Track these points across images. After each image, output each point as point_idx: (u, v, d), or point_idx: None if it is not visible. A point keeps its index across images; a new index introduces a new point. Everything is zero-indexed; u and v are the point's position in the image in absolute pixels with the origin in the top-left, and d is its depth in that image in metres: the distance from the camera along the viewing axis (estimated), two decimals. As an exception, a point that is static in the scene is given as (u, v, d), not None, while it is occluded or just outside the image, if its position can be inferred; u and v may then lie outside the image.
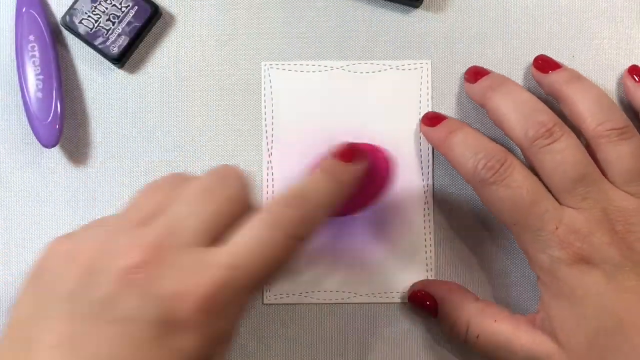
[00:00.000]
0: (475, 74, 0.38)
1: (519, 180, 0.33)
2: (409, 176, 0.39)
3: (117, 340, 0.25)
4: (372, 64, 0.39)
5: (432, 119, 0.38)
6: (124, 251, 0.26)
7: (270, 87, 0.39)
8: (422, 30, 0.40)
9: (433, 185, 0.39)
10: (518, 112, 0.35)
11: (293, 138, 0.39)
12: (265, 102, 0.39)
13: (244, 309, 0.28)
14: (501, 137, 0.37)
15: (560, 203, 0.34)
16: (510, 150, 0.35)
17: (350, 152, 0.32)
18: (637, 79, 0.37)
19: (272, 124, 0.39)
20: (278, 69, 0.39)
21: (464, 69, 0.39)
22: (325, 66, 0.39)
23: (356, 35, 0.40)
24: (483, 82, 0.37)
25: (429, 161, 0.39)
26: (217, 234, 0.27)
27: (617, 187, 0.34)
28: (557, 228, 0.33)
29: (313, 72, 0.39)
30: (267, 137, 0.39)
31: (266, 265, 0.27)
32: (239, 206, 0.28)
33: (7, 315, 0.27)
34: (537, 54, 0.39)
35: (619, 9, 0.40)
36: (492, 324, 0.35)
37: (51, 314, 0.26)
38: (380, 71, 0.39)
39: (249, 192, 0.29)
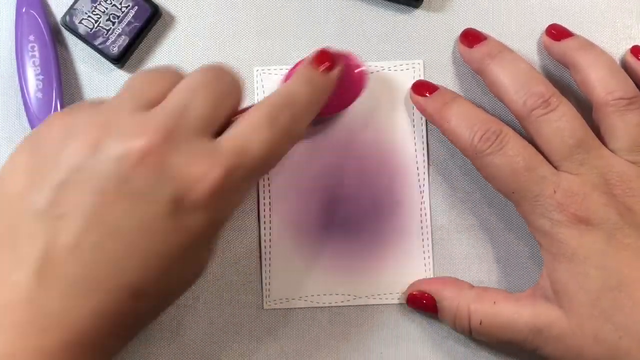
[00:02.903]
0: (472, 38, 0.38)
1: (516, 149, 0.34)
2: (405, 177, 0.39)
3: (133, 214, 0.26)
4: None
5: (423, 87, 0.38)
6: (131, 132, 0.27)
7: (263, 92, 0.39)
8: (422, 30, 0.40)
9: (430, 185, 0.39)
10: (516, 81, 0.35)
11: None
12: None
13: (245, 196, 0.30)
14: (492, 109, 0.37)
15: (558, 170, 0.34)
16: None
17: (325, 58, 0.34)
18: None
19: None
20: (270, 74, 0.39)
21: (463, 69, 0.39)
22: None
23: (356, 36, 0.40)
24: (481, 49, 0.37)
25: (424, 161, 0.39)
26: (218, 126, 0.29)
27: (619, 155, 0.34)
28: (554, 192, 0.33)
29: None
30: None
31: (268, 154, 0.29)
32: (235, 102, 0.30)
33: None
34: (537, 55, 0.39)
35: (618, 9, 0.40)
36: (492, 306, 0.35)
37: (55, 184, 0.26)
38: (372, 73, 0.39)
39: (242, 91, 0.31)
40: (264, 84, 0.39)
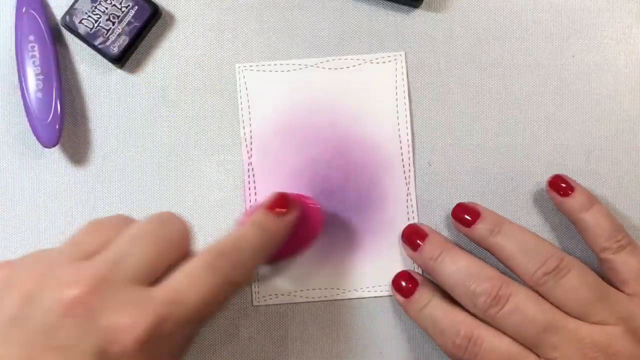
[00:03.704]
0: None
1: (491, 352, 0.34)
2: (391, 170, 0.39)
3: None
4: (346, 59, 0.39)
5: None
6: (65, 282, 0.27)
7: (246, 89, 0.39)
8: (422, 30, 0.40)
9: (415, 178, 0.39)
10: (461, 282, 0.35)
11: (271, 138, 0.39)
12: (241, 104, 0.39)
13: (185, 345, 0.29)
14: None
15: (539, 356, 0.34)
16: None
17: (281, 202, 0.34)
18: (561, 193, 0.37)
19: (250, 125, 0.39)
20: (252, 70, 0.39)
21: (463, 69, 0.39)
22: (299, 64, 0.39)
23: (356, 36, 0.40)
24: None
25: (409, 152, 0.39)
26: (156, 276, 0.28)
27: (584, 321, 0.34)
28: None
29: (287, 71, 0.39)
30: (245, 140, 0.39)
31: (204, 303, 0.28)
32: (178, 252, 0.30)
33: None
34: (536, 54, 0.39)
35: (618, 9, 0.40)
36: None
37: None
38: (354, 66, 0.39)
39: (189, 239, 0.30)
40: (246, 80, 0.39)
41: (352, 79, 0.39)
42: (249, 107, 0.39)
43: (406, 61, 0.39)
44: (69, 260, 0.28)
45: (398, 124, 0.39)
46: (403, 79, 0.39)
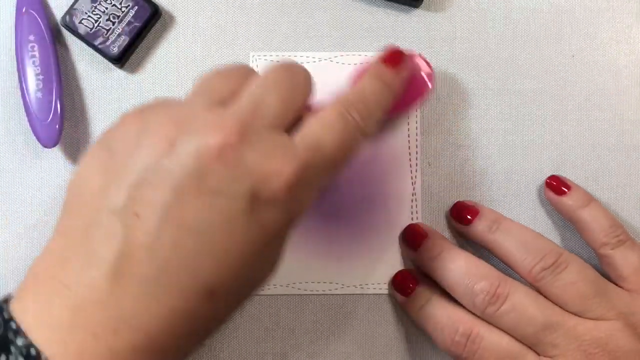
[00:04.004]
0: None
1: (490, 349, 0.34)
2: (398, 170, 0.39)
3: (210, 211, 0.25)
4: (360, 55, 0.39)
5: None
6: (209, 127, 0.26)
7: None
8: (422, 30, 0.40)
9: (421, 176, 0.39)
10: (460, 281, 0.35)
11: None
12: None
13: (316, 193, 0.29)
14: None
15: (538, 354, 0.34)
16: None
17: (396, 58, 0.34)
18: (558, 192, 0.38)
19: None
20: (266, 59, 0.39)
21: (463, 69, 0.39)
22: (313, 57, 0.39)
23: (356, 36, 0.40)
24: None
25: (417, 152, 0.39)
26: (290, 122, 0.29)
27: (582, 317, 0.34)
28: None
29: (301, 63, 0.39)
30: None
31: (339, 151, 0.29)
32: (306, 98, 0.30)
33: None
34: (536, 54, 0.39)
35: (618, 9, 0.40)
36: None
37: (131, 183, 0.26)
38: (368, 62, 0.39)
39: (313, 87, 0.31)
40: (259, 70, 0.39)
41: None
42: None
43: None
44: (205, 107, 0.28)
45: (408, 123, 0.39)
46: None
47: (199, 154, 0.26)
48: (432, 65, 0.37)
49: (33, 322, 0.25)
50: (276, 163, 0.27)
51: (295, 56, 0.40)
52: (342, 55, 0.39)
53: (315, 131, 0.29)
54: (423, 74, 0.37)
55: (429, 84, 0.37)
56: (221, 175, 0.26)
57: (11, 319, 0.25)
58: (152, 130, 0.27)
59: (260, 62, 0.40)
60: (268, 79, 0.29)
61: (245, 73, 0.30)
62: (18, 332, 0.25)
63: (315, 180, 0.28)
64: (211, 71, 0.30)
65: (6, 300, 0.26)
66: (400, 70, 0.34)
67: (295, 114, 0.29)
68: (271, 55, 0.40)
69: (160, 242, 0.25)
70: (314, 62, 0.39)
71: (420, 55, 0.37)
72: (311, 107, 0.31)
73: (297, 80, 0.30)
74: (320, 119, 0.29)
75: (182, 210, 0.25)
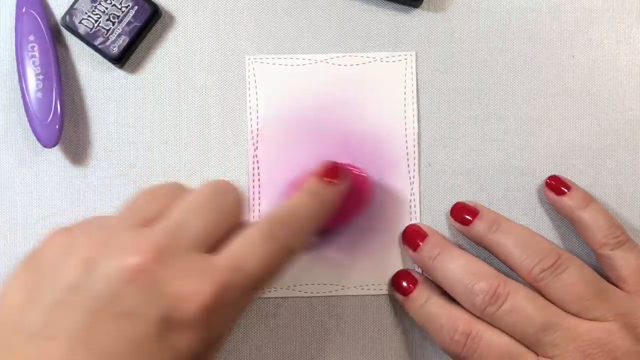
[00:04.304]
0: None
1: (490, 349, 0.34)
2: (396, 169, 0.39)
3: (121, 335, 0.25)
4: (356, 56, 0.39)
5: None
6: (127, 249, 0.26)
7: (255, 80, 0.39)
8: (422, 30, 0.40)
9: (419, 177, 0.39)
10: (459, 281, 0.35)
11: (278, 131, 0.39)
12: (250, 95, 0.39)
13: (241, 312, 0.29)
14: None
15: (537, 355, 0.34)
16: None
17: (334, 172, 0.34)
18: (557, 192, 0.38)
19: (257, 117, 0.39)
20: (262, 62, 0.39)
21: (463, 69, 0.39)
22: (310, 59, 0.39)
23: (356, 36, 0.40)
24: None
25: (415, 153, 0.39)
26: (215, 243, 0.28)
27: (581, 317, 0.34)
28: None
29: (297, 65, 0.39)
30: (252, 132, 0.39)
31: (264, 270, 0.28)
32: (234, 219, 0.30)
33: None
34: (537, 55, 0.39)
35: (619, 9, 0.40)
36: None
37: (48, 304, 0.26)
38: (365, 64, 0.39)
39: (243, 208, 0.30)
40: (255, 72, 0.39)
41: (361, 76, 0.39)
42: (257, 100, 0.39)
43: (416, 61, 0.39)
44: (129, 227, 0.28)
45: (405, 123, 0.39)
46: (412, 79, 0.39)
47: (113, 275, 0.26)
48: (369, 175, 0.37)
49: None
50: (192, 285, 0.26)
51: (292, 58, 0.39)
52: (338, 57, 0.39)
53: (239, 251, 0.28)
54: (364, 182, 0.37)
55: (369, 194, 0.37)
56: (133, 298, 0.25)
57: None
58: (75, 250, 0.27)
59: (256, 66, 0.39)
60: (195, 199, 0.29)
61: (173, 192, 0.30)
62: None
63: (239, 300, 0.28)
64: (142, 189, 0.31)
65: None
66: (337, 184, 0.33)
67: (222, 233, 0.29)
68: (267, 58, 0.39)
69: None
70: (310, 64, 0.39)
71: (356, 166, 0.37)
72: (243, 224, 0.30)
73: (227, 202, 0.30)
74: (245, 238, 0.29)
75: (94, 333, 0.25)
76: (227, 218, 0.29)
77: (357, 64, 0.39)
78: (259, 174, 0.39)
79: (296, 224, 0.30)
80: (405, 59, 0.39)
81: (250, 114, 0.39)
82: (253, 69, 0.39)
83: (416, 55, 0.39)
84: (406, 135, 0.39)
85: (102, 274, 0.26)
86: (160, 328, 0.25)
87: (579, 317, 0.34)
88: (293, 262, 0.30)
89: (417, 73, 0.39)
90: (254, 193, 0.39)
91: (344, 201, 0.34)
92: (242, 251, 0.28)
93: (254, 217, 0.39)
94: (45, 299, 0.26)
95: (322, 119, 0.39)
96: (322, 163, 0.34)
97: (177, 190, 0.31)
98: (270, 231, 0.29)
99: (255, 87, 0.39)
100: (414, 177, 0.39)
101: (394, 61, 0.39)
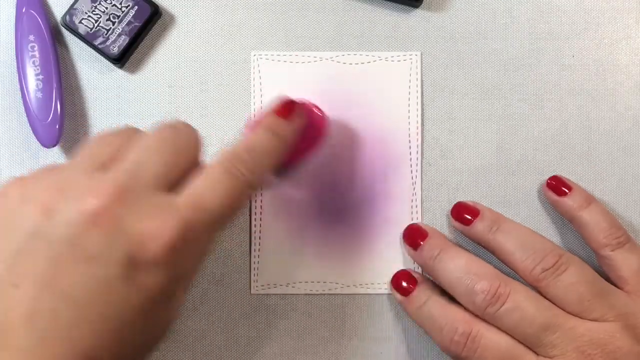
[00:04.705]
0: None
1: (490, 349, 0.34)
2: (398, 169, 0.39)
3: (87, 278, 0.25)
4: (361, 55, 0.39)
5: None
6: (86, 193, 0.26)
7: (260, 77, 0.39)
8: (422, 30, 0.40)
9: (422, 176, 0.39)
10: (460, 280, 0.35)
11: None
12: (254, 92, 0.39)
13: (206, 249, 0.29)
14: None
15: (537, 355, 0.34)
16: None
17: (289, 108, 0.34)
18: (558, 192, 0.38)
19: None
20: (267, 59, 0.39)
21: (463, 69, 0.39)
22: (315, 57, 0.39)
23: (356, 35, 0.40)
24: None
25: (417, 153, 0.39)
26: (174, 182, 0.29)
27: (581, 317, 0.34)
28: None
29: (302, 62, 0.39)
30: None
31: (225, 207, 0.29)
32: (192, 157, 0.30)
33: None
34: (537, 55, 0.39)
35: (619, 9, 0.40)
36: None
37: (10, 253, 0.26)
38: (370, 62, 0.39)
39: (200, 145, 0.31)
40: (260, 68, 0.39)
41: (366, 75, 0.39)
42: (261, 95, 0.39)
43: (422, 61, 0.39)
44: (86, 172, 0.28)
45: (409, 123, 0.39)
46: (417, 79, 0.39)
47: (74, 220, 0.26)
48: (325, 112, 0.37)
49: None
50: (154, 224, 0.26)
51: (297, 55, 0.40)
52: (343, 55, 0.39)
53: (200, 188, 0.28)
54: (318, 119, 0.37)
55: (325, 131, 0.37)
56: (96, 241, 0.25)
57: None
58: (32, 198, 0.27)
59: (261, 62, 0.40)
60: (150, 139, 0.29)
61: (128, 135, 0.30)
62: None
63: (201, 238, 0.28)
64: (96, 134, 0.30)
65: None
66: (293, 120, 0.33)
67: (180, 172, 0.29)
68: (272, 55, 0.40)
69: (39, 312, 0.25)
70: (316, 61, 0.39)
71: (312, 103, 0.37)
72: (201, 163, 0.30)
73: (182, 140, 0.30)
74: (205, 175, 0.29)
75: (59, 278, 0.25)
76: (185, 157, 0.29)
77: (362, 63, 0.39)
78: None
79: (255, 160, 0.30)
80: (411, 58, 0.39)
81: (254, 110, 0.39)
82: (258, 65, 0.39)
83: (421, 56, 0.39)
84: (409, 136, 0.39)
85: (62, 219, 0.26)
86: (125, 269, 0.26)
87: (580, 317, 0.34)
88: (252, 197, 0.30)
89: (422, 72, 0.39)
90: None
91: (301, 137, 0.34)
92: (203, 189, 0.28)
93: (255, 211, 0.39)
94: (6, 249, 0.26)
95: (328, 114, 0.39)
96: (278, 99, 0.34)
97: (132, 133, 0.30)
98: (230, 168, 0.29)
99: (260, 82, 0.39)
100: (416, 177, 0.39)
101: (399, 61, 0.39)
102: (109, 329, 0.25)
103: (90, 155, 0.29)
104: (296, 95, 0.38)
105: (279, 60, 0.39)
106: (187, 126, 0.31)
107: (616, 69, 0.40)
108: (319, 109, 0.37)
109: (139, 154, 0.28)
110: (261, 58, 0.39)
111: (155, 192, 0.28)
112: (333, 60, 0.39)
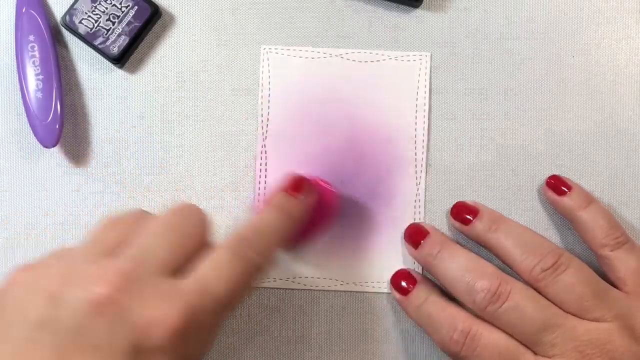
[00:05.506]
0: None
1: (489, 348, 0.34)
2: (403, 169, 0.39)
3: None
4: (371, 53, 0.39)
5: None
6: (91, 280, 0.26)
7: (269, 71, 0.39)
8: (422, 30, 0.40)
9: (426, 177, 0.39)
10: (460, 278, 0.35)
11: (288, 123, 0.39)
12: (262, 85, 0.39)
13: (214, 332, 0.29)
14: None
15: (536, 354, 0.34)
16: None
17: (299, 185, 0.34)
18: (558, 192, 0.38)
19: (269, 108, 0.39)
20: (277, 53, 0.39)
21: (463, 69, 0.39)
22: (324, 53, 0.39)
23: (356, 35, 0.40)
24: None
25: (423, 153, 0.39)
26: (180, 267, 0.28)
27: (580, 317, 0.34)
28: None
29: (312, 58, 0.39)
30: (261, 122, 0.39)
31: (232, 290, 0.28)
32: (200, 240, 0.30)
33: None
34: (536, 54, 0.39)
35: (618, 9, 0.40)
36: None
37: (17, 342, 0.26)
38: (379, 61, 0.39)
39: (208, 228, 0.30)
40: (269, 62, 0.39)
41: (374, 73, 0.39)
42: (269, 89, 0.39)
43: (431, 62, 0.39)
44: (92, 258, 0.28)
45: (415, 123, 0.39)
46: (426, 80, 0.39)
47: (79, 308, 0.26)
48: (335, 188, 0.37)
49: None
50: (159, 310, 0.26)
51: (307, 50, 0.39)
52: (353, 53, 0.39)
53: (206, 272, 0.28)
54: (329, 196, 0.36)
55: (336, 206, 0.37)
56: (101, 329, 0.25)
57: None
58: (39, 286, 0.27)
59: (271, 56, 0.39)
60: (158, 224, 0.29)
61: (136, 219, 0.30)
62: None
63: (209, 321, 0.28)
64: (103, 220, 0.31)
65: None
66: (303, 198, 0.33)
67: (187, 256, 0.29)
68: (282, 49, 0.39)
69: None
70: (325, 57, 0.39)
71: (323, 179, 0.37)
72: (209, 244, 0.30)
73: (190, 223, 0.30)
74: (212, 259, 0.29)
75: None
76: (192, 240, 0.29)
77: (372, 61, 0.39)
78: (266, 165, 0.39)
79: (263, 241, 0.31)
80: (420, 59, 0.39)
81: (262, 103, 0.39)
82: (268, 59, 0.39)
83: (431, 57, 0.39)
84: (415, 136, 0.39)
85: (68, 307, 0.26)
86: (131, 356, 0.25)
87: (579, 317, 0.34)
88: (262, 278, 0.29)
89: (431, 74, 0.39)
90: (260, 181, 0.39)
91: (311, 215, 0.34)
92: (209, 273, 0.28)
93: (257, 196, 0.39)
94: (13, 338, 0.26)
95: (332, 113, 0.39)
96: (288, 176, 0.34)
97: (140, 217, 0.31)
98: (236, 250, 0.29)
99: (269, 77, 0.39)
100: (420, 177, 0.39)
101: (408, 61, 0.39)
102: None
103: (98, 240, 0.29)
104: (304, 94, 0.38)
105: (288, 55, 0.39)
106: (195, 209, 0.31)
107: (616, 69, 0.40)
108: (330, 185, 0.37)
109: (146, 240, 0.29)
110: (271, 52, 0.39)
111: (161, 277, 0.27)
112: (342, 57, 0.39)
